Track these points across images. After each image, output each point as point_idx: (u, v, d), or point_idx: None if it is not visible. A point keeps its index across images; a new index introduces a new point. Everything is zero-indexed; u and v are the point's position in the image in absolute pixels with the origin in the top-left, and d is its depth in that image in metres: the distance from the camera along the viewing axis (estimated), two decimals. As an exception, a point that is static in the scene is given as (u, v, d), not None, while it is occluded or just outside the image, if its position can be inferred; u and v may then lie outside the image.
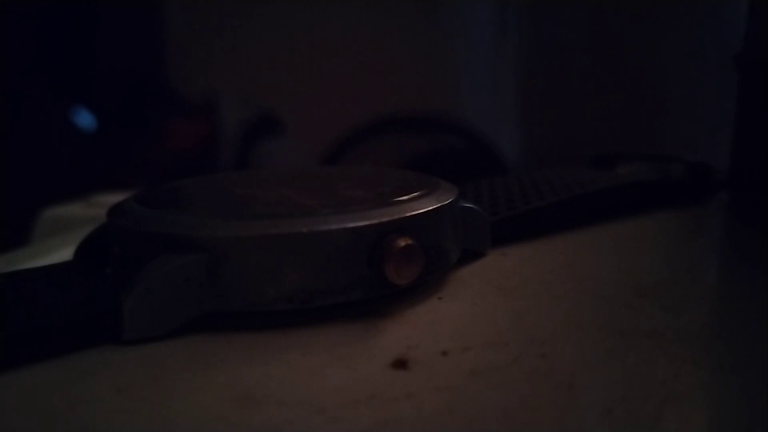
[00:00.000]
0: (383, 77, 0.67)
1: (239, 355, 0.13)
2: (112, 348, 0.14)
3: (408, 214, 0.15)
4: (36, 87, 0.71)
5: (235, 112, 0.74)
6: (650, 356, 0.13)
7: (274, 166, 0.72)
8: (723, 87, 0.30)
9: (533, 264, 0.19)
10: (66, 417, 0.11)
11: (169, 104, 0.77)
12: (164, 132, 0.76)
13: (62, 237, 0.27)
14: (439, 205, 0.16)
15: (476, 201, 0.21)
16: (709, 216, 0.26)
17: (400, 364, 0.13)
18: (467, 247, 0.19)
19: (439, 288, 0.17)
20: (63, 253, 0.22)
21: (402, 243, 0.14)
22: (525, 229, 0.21)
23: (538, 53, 0.64)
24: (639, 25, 0.59)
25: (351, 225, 0.14)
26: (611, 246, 0.22)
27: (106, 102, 0.76)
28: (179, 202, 0.19)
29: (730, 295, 0.18)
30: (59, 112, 0.73)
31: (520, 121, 0.67)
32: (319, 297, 0.14)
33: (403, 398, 0.11)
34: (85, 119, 0.76)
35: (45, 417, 0.11)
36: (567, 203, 0.22)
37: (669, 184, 0.27)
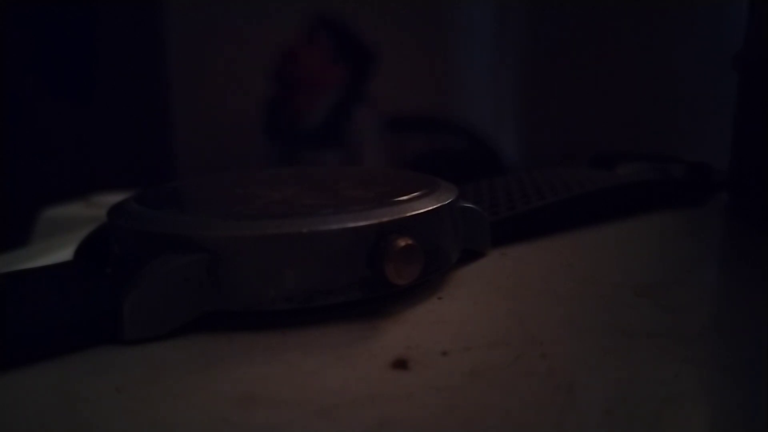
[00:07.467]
0: (383, 77, 0.67)
1: (239, 355, 0.13)
2: (112, 348, 0.13)
3: (408, 214, 0.15)
4: (36, 87, 0.71)
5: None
6: (650, 356, 0.13)
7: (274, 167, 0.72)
8: (723, 87, 0.30)
9: (533, 264, 0.19)
10: (66, 417, 0.11)
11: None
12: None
13: (62, 237, 0.27)
14: (439, 205, 0.16)
15: (476, 201, 0.21)
16: (709, 216, 0.26)
17: (400, 364, 0.13)
18: (467, 247, 0.19)
19: (439, 288, 0.17)
20: (63, 253, 0.21)
21: (402, 243, 0.14)
22: (525, 229, 0.21)
23: (538, 54, 0.64)
24: (639, 26, 0.59)
25: (351, 225, 0.14)
26: (611, 246, 0.22)
27: (106, 102, 0.76)
28: (179, 202, 0.19)
29: (730, 295, 0.18)
30: (59, 112, 0.73)
31: (520, 121, 0.67)
32: (319, 297, 0.14)
33: (403, 398, 0.11)
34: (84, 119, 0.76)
35: (45, 417, 0.11)
36: (567, 203, 0.22)
37: (669, 184, 0.27)
